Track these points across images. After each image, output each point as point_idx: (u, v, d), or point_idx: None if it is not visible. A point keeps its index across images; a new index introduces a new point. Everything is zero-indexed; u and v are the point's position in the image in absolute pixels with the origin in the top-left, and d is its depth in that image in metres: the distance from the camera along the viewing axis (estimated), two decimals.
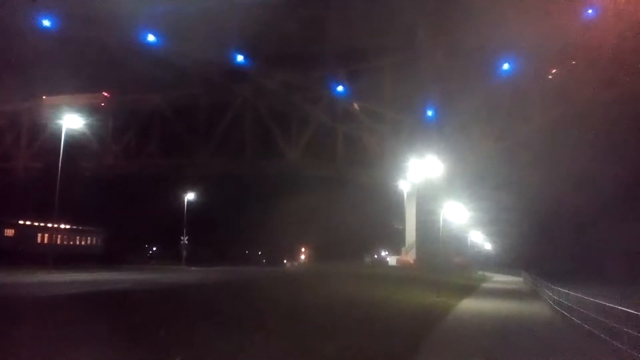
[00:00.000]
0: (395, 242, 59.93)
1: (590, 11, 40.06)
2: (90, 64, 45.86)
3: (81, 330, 9.71)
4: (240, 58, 47.15)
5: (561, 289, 21.23)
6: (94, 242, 57.26)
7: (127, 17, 42.93)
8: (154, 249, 75.92)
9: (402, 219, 56.50)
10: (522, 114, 47.02)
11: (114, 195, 56.92)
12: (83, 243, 55.26)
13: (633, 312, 11.67)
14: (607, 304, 13.70)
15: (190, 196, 51.52)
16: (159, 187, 58.00)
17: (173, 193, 53.34)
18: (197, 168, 53.26)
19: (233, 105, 50.69)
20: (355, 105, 51.18)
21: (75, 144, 40.96)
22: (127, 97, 52.48)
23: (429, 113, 47.91)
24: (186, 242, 50.80)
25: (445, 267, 42.57)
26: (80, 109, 40.04)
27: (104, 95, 52.60)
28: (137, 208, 57.00)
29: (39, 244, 45.67)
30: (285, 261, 73.50)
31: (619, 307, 12.60)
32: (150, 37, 46.02)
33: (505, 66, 44.81)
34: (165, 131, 52.77)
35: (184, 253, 50.81)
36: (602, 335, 12.86)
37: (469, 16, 42.00)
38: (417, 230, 50.76)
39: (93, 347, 8.87)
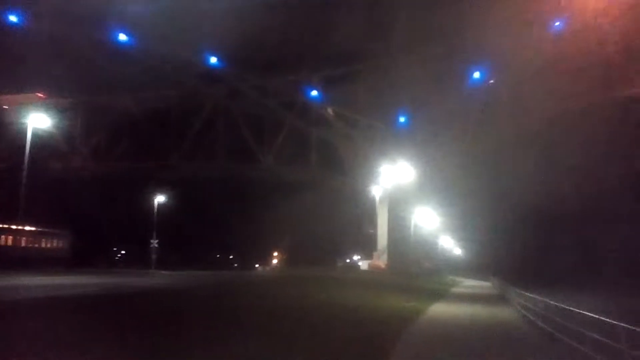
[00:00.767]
0: (368, 247, 60.28)
1: (557, 23, 41.26)
2: (59, 63, 44.85)
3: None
4: (214, 60, 46.79)
5: (528, 294, 21.71)
6: (60, 245, 55.76)
7: (99, 15, 42.24)
8: (123, 252, 74.51)
9: (374, 223, 56.93)
10: (492, 122, 48.05)
11: (83, 197, 55.63)
12: (49, 246, 53.76)
13: (595, 316, 12.05)
14: (571, 309, 14.09)
15: (160, 199, 50.69)
16: (129, 189, 57.02)
17: (143, 196, 52.41)
18: (168, 171, 52.60)
19: (206, 108, 50.31)
20: (330, 111, 51.42)
21: (43, 144, 39.94)
22: (97, 98, 51.47)
23: (402, 120, 48.48)
24: (156, 245, 49.90)
25: (416, 271, 43.13)
26: (49, 108, 39.12)
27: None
28: (106, 211, 55.89)
29: (1, 246, 44.24)
30: (257, 265, 73.09)
31: (583, 312, 12.97)
32: (122, 37, 45.26)
33: (476, 75, 45.72)
34: (136, 133, 51.96)
35: (154, 257, 49.95)
36: (567, 340, 13.23)
37: (442, 25, 42.86)
38: (388, 235, 51.17)
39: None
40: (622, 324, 10.37)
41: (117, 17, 43.86)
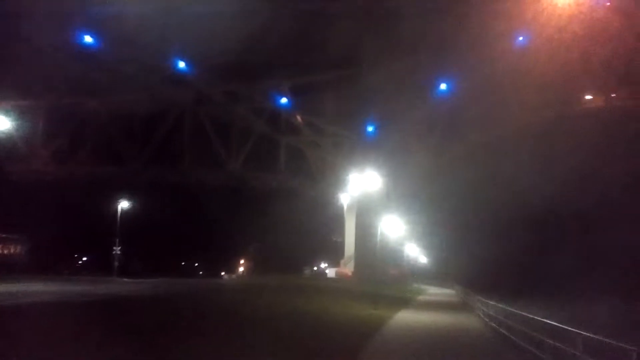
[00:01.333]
0: (335, 254, 60.49)
1: (521, 38, 42.61)
2: (20, 64, 43.47)
3: None
4: (182, 65, 46.24)
5: (490, 302, 22.19)
6: (16, 250, 53.76)
7: (63, 16, 41.21)
8: (85, 259, 72.48)
9: (341, 231, 57.19)
10: (458, 133, 49.15)
11: (43, 202, 53.91)
12: (6, 252, 51.82)
13: (554, 323, 12.44)
14: (531, 316, 14.51)
15: (124, 205, 49.62)
16: (92, 194, 55.56)
17: (106, 201, 51.22)
18: (132, 176, 51.55)
19: (173, 113, 49.62)
20: (299, 118, 51.51)
21: (1, 147, 38.60)
22: (59, 100, 50.01)
23: (370, 129, 49.00)
24: (119, 252, 48.78)
25: (382, 279, 43.45)
26: (8, 110, 37.82)
27: None
28: (68, 216, 54.29)
29: None
30: (223, 273, 72.22)
31: (542, 319, 13.36)
32: (87, 39, 44.23)
33: (443, 86, 46.70)
34: (100, 137, 50.77)
35: (116, 264, 48.78)
36: (526, 346, 13.61)
37: (410, 38, 43.69)
38: (355, 242, 51.46)
39: None
40: (578, 331, 10.74)
41: (83, 18, 42.89)
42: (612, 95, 44.74)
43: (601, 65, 41.51)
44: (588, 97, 45.97)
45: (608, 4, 36.95)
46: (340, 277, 51.63)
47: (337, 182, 51.02)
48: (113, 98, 49.96)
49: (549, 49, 38.67)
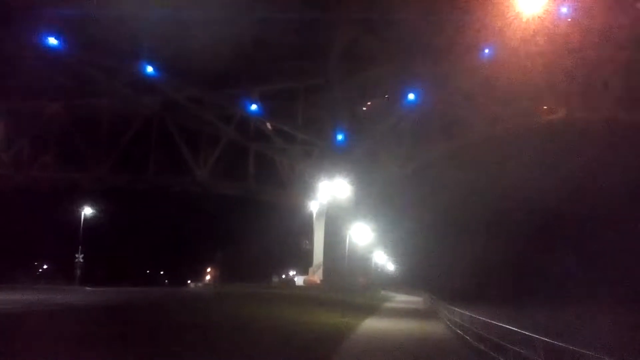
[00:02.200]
0: (304, 262, 60.28)
1: (487, 50, 43.64)
2: None
3: None
4: (150, 70, 45.49)
5: (456, 309, 22.46)
6: None
7: (27, 16, 40.10)
8: (45, 267, 70.19)
9: (310, 239, 57.06)
10: (425, 142, 49.88)
11: (1, 207, 52.01)
12: None
13: (517, 329, 12.67)
14: (495, 323, 14.75)
15: (87, 212, 48.33)
16: (53, 201, 53.98)
17: (69, 208, 49.80)
18: (96, 182, 50.33)
19: (139, 118, 48.74)
20: (269, 125, 51.34)
21: None
22: (21, 103, 48.46)
23: (340, 137, 49.22)
24: (81, 260, 47.41)
25: (350, 286, 43.49)
26: None
27: None
28: (27, 223, 52.51)
29: None
30: (189, 282, 71.05)
31: (505, 326, 13.59)
32: (52, 41, 43.07)
33: (411, 96, 47.34)
34: (63, 141, 49.43)
35: (79, 272, 47.36)
36: (491, 353, 13.81)
37: (379, 48, 44.27)
38: (324, 250, 51.42)
39: None
40: (539, 337, 10.97)
41: (48, 19, 41.81)
42: (573, 107, 46.20)
43: (564, 78, 42.93)
44: (551, 108, 47.34)
45: (569, 19, 38.28)
46: (309, 285, 51.45)
47: (307, 190, 50.98)
48: (77, 102, 48.79)
49: (515, 61, 39.73)
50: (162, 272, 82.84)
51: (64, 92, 47.13)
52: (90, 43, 42.85)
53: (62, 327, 14.65)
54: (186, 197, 60.14)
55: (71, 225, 48.72)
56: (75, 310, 20.30)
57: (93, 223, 49.44)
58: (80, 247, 47.38)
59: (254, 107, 49.15)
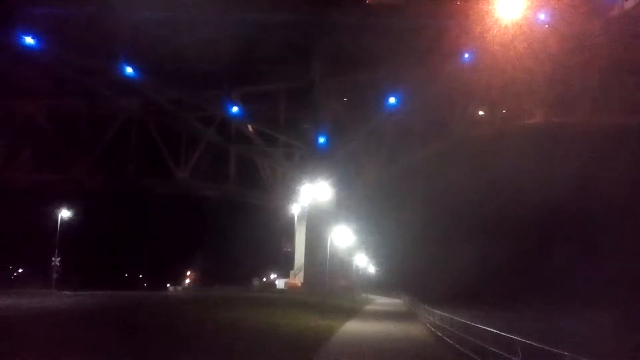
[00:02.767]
0: (285, 265, 60.16)
1: (467, 55, 44.16)
2: None
3: None
4: (130, 71, 44.92)
5: (435, 311, 22.63)
6: None
7: (1, 15, 39.32)
8: (20, 270, 68.72)
9: (292, 242, 56.95)
10: (406, 145, 50.22)
11: None
12: None
13: (495, 331, 12.81)
14: (473, 324, 14.90)
15: (64, 214, 47.42)
16: (29, 202, 52.81)
17: (45, 210, 48.80)
18: (73, 184, 49.48)
19: (119, 119, 48.13)
20: (250, 128, 51.14)
21: None
22: None
23: (321, 140, 49.24)
24: (58, 263, 46.49)
25: (331, 289, 43.48)
26: None
27: None
28: (1, 225, 51.30)
29: None
30: (168, 285, 70.26)
31: (483, 327, 13.72)
32: (29, 40, 42.25)
33: (392, 100, 47.63)
34: (39, 142, 48.53)
35: (55, 276, 46.43)
36: (466, 351, 13.97)
37: (361, 53, 44.47)
38: (306, 253, 51.35)
39: None
40: (518, 338, 11.11)
41: (24, 19, 41.04)
42: (551, 111, 47.03)
43: (542, 82, 43.67)
44: (530, 112, 48.10)
45: (547, 25, 38.96)
46: (290, 288, 51.31)
47: (288, 192, 50.89)
48: (55, 102, 47.99)
49: (494, 66, 40.26)
50: (141, 276, 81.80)
51: (41, 92, 46.30)
52: (69, 43, 42.19)
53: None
54: (166, 200, 59.53)
55: (48, 227, 47.78)
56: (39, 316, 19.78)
57: (71, 225, 48.57)
58: (56, 250, 46.51)
59: (235, 109, 48.92)
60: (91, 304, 25.68)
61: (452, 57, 43.88)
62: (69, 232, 48.15)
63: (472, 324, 15.20)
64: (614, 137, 47.60)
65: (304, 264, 51.65)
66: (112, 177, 50.52)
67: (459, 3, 39.89)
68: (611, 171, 49.76)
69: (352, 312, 33.31)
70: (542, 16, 38.11)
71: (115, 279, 67.41)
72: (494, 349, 12.06)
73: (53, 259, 46.31)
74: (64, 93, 47.27)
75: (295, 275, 54.43)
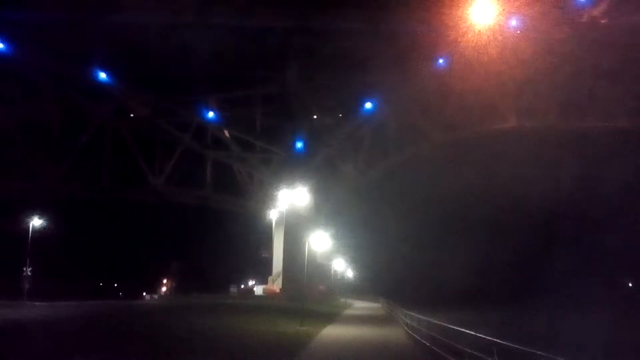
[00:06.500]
0: (263, 271, 59.69)
1: (441, 60, 44.74)
2: None
3: None
4: (103, 76, 44.22)
5: (413, 314, 22.73)
6: None
7: None
8: None
9: (270, 248, 56.60)
10: (383, 150, 50.52)
11: None
12: None
13: (471, 332, 12.92)
14: (450, 326, 15.03)
15: (36, 223, 46.25)
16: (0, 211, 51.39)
17: (15, 219, 47.51)
18: (45, 192, 48.33)
19: (92, 125, 47.27)
20: (226, 133, 50.80)
21: None
22: None
23: (299, 145, 49.20)
24: (29, 273, 45.29)
25: (310, 295, 43.35)
26: None
27: None
28: None
29: None
30: (144, 294, 69.05)
31: (460, 329, 13.84)
32: None
33: (368, 105, 47.89)
34: (9, 149, 47.25)
35: (26, 286, 45.21)
36: (447, 355, 14.04)
37: (336, 56, 44.68)
38: (284, 258, 51.08)
39: None
40: (495, 339, 11.23)
41: None
42: (523, 115, 47.87)
43: (513, 87, 44.51)
44: (503, 116, 48.85)
45: (518, 32, 39.75)
46: (268, 295, 50.94)
47: (266, 198, 50.62)
48: (25, 108, 46.90)
49: (468, 71, 40.88)
50: (116, 285, 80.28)
51: (10, 98, 45.22)
52: (40, 48, 41.39)
53: None
54: (141, 207, 58.62)
55: (18, 237, 46.52)
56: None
57: (44, 234, 47.38)
58: (28, 259, 45.33)
59: (211, 114, 48.59)
60: (50, 314, 24.88)
61: (427, 62, 44.40)
62: (42, 241, 47.01)
63: (450, 326, 15.31)
64: (584, 140, 48.80)
65: (282, 270, 51.39)
66: (86, 185, 49.55)
67: (433, 9, 40.48)
68: (577, 173, 51.06)
69: (330, 317, 33.25)
70: (514, 22, 38.86)
71: (90, 288, 66.00)
72: (469, 350, 12.15)
73: (24, 269, 45.14)
74: (36, 99, 46.27)
75: (273, 281, 54.07)
